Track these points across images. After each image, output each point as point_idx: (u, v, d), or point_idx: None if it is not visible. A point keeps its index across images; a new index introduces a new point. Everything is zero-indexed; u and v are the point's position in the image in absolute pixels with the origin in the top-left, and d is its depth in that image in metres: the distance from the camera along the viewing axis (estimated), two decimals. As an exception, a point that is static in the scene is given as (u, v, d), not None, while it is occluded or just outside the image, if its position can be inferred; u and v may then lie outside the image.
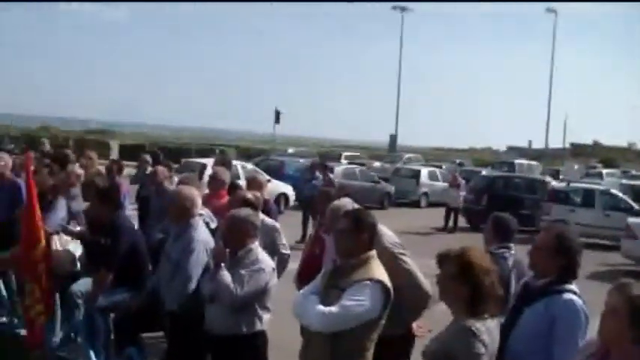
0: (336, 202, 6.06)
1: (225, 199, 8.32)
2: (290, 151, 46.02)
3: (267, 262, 5.58)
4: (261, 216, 7.09)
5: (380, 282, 4.39)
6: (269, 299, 5.58)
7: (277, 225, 7.65)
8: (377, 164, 40.64)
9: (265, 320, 5.56)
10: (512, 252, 5.95)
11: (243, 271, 5.34)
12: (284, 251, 7.50)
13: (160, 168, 11.15)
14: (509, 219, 6.17)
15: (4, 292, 8.55)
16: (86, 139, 50.21)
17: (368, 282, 4.35)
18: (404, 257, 5.44)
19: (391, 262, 5.07)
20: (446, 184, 26.89)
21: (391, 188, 30.14)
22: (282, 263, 7.36)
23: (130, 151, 31.97)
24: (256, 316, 5.48)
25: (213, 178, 9.06)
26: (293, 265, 7.31)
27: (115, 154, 40.41)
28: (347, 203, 5.96)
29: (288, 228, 12.36)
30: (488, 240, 6.10)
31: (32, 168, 8.41)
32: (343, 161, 39.19)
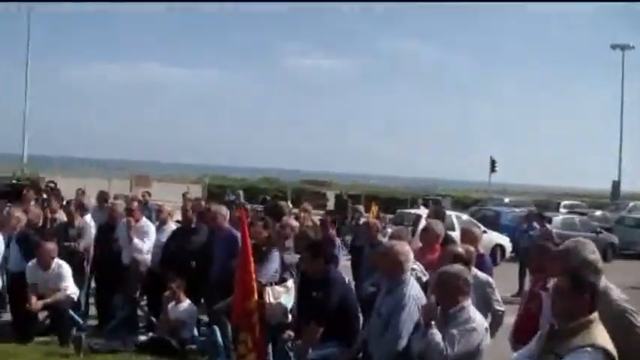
0: (578, 240, 5.57)
1: (438, 252, 8.14)
2: (506, 200, 44.98)
3: (480, 321, 5.34)
4: (474, 271, 6.89)
5: (603, 349, 4.04)
6: (481, 360, 5.33)
7: (491, 280, 7.38)
8: (598, 213, 38.64)
9: (477, 383, 5.30)
10: None
11: (454, 331, 5.14)
12: (498, 308, 7.21)
13: (372, 220, 11.19)
14: None
15: (219, 340, 8.80)
16: (303, 189, 51.62)
17: (589, 349, 4.02)
18: (636, 315, 4.98)
19: (620, 319, 4.69)
20: (679, 234, 25.12)
21: (615, 239, 28.60)
22: (495, 320, 7.10)
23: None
24: (467, 378, 5.23)
25: (426, 231, 8.93)
26: (509, 319, 7.01)
27: (330, 205, 41.21)
28: (586, 244, 5.44)
29: (504, 281, 11.98)
30: None
31: (248, 220, 8.66)
32: (562, 210, 37.74)
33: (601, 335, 4.12)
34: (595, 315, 4.21)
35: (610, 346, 4.08)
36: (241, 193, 26.79)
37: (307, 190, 49.85)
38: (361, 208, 16.47)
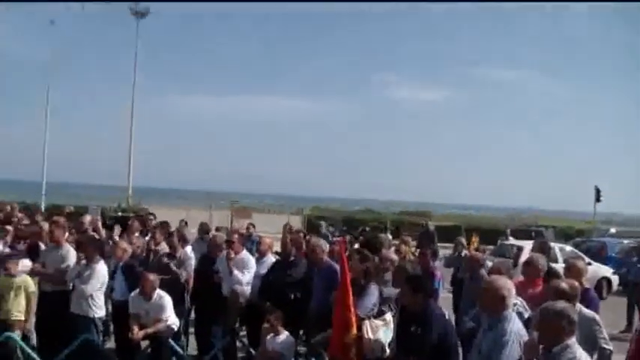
0: None
1: (541, 287, 7.94)
2: (612, 231, 43.62)
3: (586, 360, 5.14)
4: (579, 307, 6.70)
5: None
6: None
7: (597, 317, 7.14)
8: None
9: None
10: None
11: (558, 370, 4.96)
12: (605, 346, 6.97)
13: (477, 253, 11.03)
14: None
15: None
16: (402, 220, 51.25)
17: None
18: None
19: None
20: None
21: None
22: (602, 359, 6.84)
23: (446, 233, 32.01)
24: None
25: (529, 264, 8.73)
26: (617, 358, 6.76)
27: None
28: None
29: (611, 316, 11.60)
30: None
31: (346, 253, 8.62)
32: (674, 241, 36.31)
33: None
34: None
35: None
36: (324, 224, 26.77)
37: (406, 222, 49.44)
38: (463, 240, 16.22)
